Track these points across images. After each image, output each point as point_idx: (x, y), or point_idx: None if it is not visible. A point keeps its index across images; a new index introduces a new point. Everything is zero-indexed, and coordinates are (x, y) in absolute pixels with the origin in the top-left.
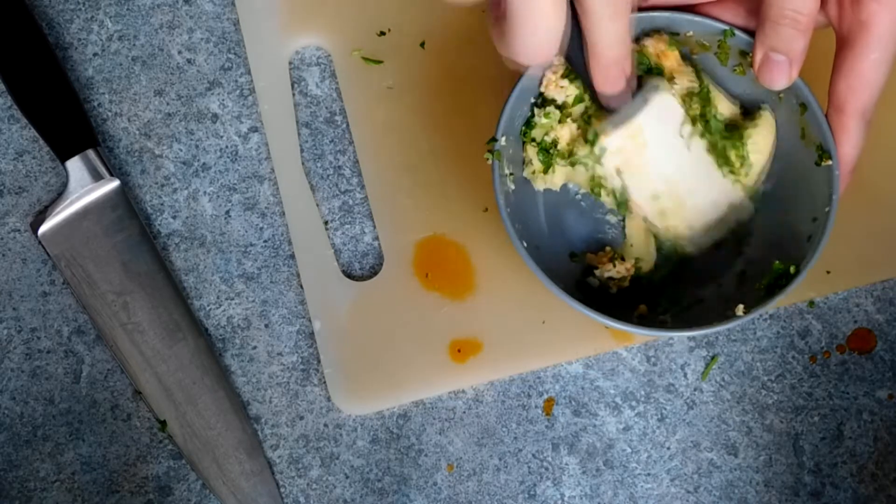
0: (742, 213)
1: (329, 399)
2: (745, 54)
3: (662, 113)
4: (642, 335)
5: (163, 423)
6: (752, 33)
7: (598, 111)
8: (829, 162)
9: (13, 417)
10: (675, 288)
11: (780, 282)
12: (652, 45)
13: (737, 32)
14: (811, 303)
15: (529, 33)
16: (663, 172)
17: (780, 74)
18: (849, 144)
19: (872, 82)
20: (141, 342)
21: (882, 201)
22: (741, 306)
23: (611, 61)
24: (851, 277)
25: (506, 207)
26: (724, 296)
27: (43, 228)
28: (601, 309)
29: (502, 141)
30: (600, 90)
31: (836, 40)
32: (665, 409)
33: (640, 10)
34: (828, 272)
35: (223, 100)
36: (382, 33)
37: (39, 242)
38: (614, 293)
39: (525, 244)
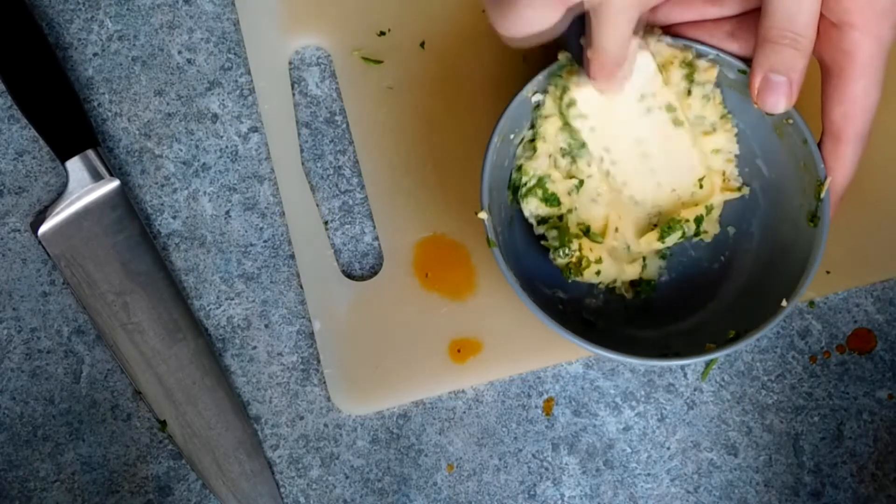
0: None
1: (329, 399)
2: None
3: (639, 73)
4: (629, 363)
5: (163, 423)
6: (731, 55)
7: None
8: (823, 191)
9: (13, 417)
10: (677, 306)
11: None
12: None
13: (723, 56)
14: (811, 303)
15: (526, 4)
16: (623, 133)
17: (781, 96)
18: (841, 172)
19: (866, 106)
20: (141, 342)
21: (882, 202)
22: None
23: (611, 61)
24: (851, 277)
25: (498, 243)
26: (723, 315)
27: (43, 228)
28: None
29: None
30: (594, 82)
31: (821, 70)
32: (665, 409)
33: None
34: (828, 272)
35: (223, 100)
36: (382, 33)
37: (39, 242)
38: (623, 307)
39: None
